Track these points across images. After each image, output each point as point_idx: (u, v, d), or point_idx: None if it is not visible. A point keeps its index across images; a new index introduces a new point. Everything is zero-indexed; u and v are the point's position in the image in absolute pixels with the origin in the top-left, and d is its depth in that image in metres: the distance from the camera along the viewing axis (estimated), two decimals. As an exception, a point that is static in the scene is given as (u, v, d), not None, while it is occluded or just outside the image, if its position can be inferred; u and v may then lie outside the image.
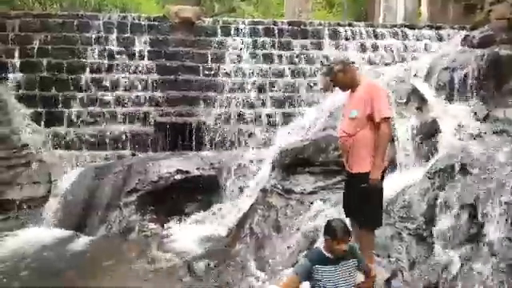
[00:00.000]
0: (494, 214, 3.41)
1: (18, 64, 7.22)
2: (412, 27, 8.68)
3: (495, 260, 3.18)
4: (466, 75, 5.85)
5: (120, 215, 5.61)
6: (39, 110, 6.99)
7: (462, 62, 6.03)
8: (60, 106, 7.13)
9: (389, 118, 3.10)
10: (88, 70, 7.42)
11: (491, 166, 3.90)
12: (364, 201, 3.10)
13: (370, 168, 3.07)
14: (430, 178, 4.35)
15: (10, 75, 7.08)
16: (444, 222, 3.71)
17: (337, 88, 3.45)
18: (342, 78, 3.19)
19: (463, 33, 7.87)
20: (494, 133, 4.97)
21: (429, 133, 5.21)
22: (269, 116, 7.39)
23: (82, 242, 5.37)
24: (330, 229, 2.47)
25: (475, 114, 5.53)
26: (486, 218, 3.44)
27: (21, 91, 7.02)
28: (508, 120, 5.07)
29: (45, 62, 7.33)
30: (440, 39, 8.29)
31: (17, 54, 7.26)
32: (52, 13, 8.15)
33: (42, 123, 6.93)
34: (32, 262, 4.74)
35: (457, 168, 4.20)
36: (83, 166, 6.51)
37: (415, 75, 6.69)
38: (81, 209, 5.86)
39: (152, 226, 5.52)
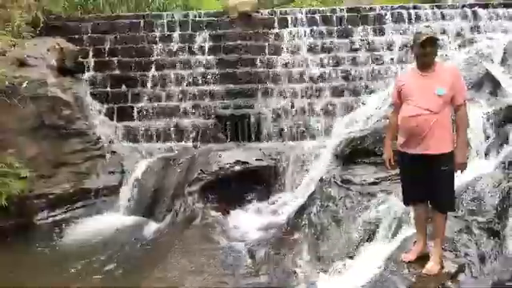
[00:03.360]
0: None
1: (92, 63, 7.85)
2: (485, 6, 7.99)
3: None
4: (548, 56, 5.33)
5: (184, 203, 5.91)
6: (111, 105, 7.53)
7: (543, 41, 5.49)
8: (129, 101, 7.62)
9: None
10: (154, 67, 7.84)
11: None
12: (443, 183, 3.06)
13: (451, 148, 3.04)
14: (504, 169, 4.06)
15: (86, 74, 7.71)
16: (519, 216, 3.44)
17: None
18: (435, 51, 3.12)
19: (546, 8, 7.14)
20: None
21: (503, 120, 4.84)
22: (328, 106, 7.26)
23: (151, 228, 5.76)
24: None
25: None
26: None
27: (95, 89, 7.61)
28: None
29: (115, 60, 7.88)
30: (517, 17, 7.54)
31: (91, 54, 7.91)
32: (120, 14, 8.68)
33: (115, 118, 7.46)
34: (108, 245, 5.20)
35: (535, 157, 3.87)
36: (151, 158, 6.92)
37: (489, 58, 6.21)
38: (150, 197, 6.26)
39: (214, 213, 5.74)
